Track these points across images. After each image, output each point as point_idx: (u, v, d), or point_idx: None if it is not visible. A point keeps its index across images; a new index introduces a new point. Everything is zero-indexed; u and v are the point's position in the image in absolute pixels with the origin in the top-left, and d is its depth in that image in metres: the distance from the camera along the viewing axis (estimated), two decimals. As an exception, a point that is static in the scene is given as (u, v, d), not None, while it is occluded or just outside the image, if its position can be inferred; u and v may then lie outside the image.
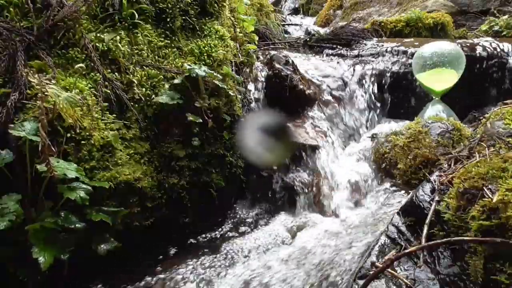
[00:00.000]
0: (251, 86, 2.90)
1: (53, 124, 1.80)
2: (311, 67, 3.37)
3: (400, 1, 5.44)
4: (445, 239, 1.26)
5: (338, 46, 3.73)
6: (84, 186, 1.77)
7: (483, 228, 1.18)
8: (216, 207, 2.43)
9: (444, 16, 4.46)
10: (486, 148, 1.59)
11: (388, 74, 3.29)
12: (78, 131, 1.87)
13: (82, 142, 1.88)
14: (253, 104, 2.85)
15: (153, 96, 2.20)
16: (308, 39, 3.95)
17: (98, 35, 2.14)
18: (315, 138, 2.75)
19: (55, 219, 1.69)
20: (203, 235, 2.32)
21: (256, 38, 3.18)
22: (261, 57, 3.26)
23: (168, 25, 2.42)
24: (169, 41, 2.40)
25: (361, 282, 1.28)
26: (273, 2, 6.18)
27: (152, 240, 2.15)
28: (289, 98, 2.88)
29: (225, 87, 2.36)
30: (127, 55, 2.20)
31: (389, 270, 1.27)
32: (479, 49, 3.28)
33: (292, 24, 5.69)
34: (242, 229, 2.38)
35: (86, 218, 1.77)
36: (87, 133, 1.90)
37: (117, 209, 1.89)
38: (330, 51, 3.72)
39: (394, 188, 2.38)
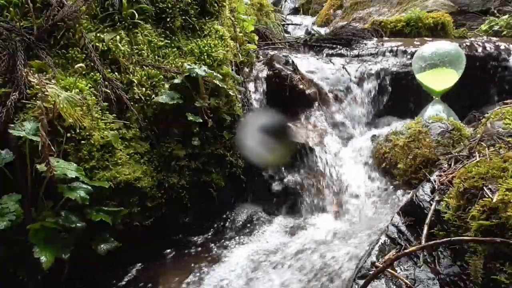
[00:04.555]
0: (251, 86, 2.90)
1: (53, 124, 1.80)
2: (311, 67, 3.37)
3: (400, 0, 5.44)
4: (445, 239, 1.26)
5: (338, 46, 3.73)
6: (84, 185, 1.77)
7: (483, 228, 1.18)
8: (216, 207, 2.43)
9: (444, 16, 4.46)
10: (486, 148, 1.59)
11: (388, 74, 3.28)
12: (78, 131, 1.87)
13: (82, 142, 1.88)
14: (253, 104, 2.85)
15: (153, 96, 2.20)
16: (308, 39, 3.94)
17: (98, 35, 2.14)
18: (315, 137, 2.75)
19: (56, 219, 1.69)
20: (203, 235, 2.32)
21: (256, 38, 3.18)
22: (261, 57, 3.26)
23: (168, 25, 2.42)
24: (169, 41, 2.40)
25: (361, 282, 1.28)
26: (273, 2, 6.18)
27: (152, 239, 2.15)
28: (289, 98, 2.88)
29: (225, 87, 2.36)
30: (127, 55, 2.20)
31: (389, 270, 1.26)
32: (479, 49, 3.28)
33: (292, 24, 5.69)
34: (242, 229, 2.38)
35: (86, 218, 1.77)
36: (87, 133, 1.90)
37: (117, 209, 1.89)
38: (330, 51, 3.71)
39: (394, 188, 2.38)
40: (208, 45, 2.48)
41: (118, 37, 2.19)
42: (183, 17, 2.49)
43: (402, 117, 3.19)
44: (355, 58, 3.51)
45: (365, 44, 3.69)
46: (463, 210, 1.30)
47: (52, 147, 1.71)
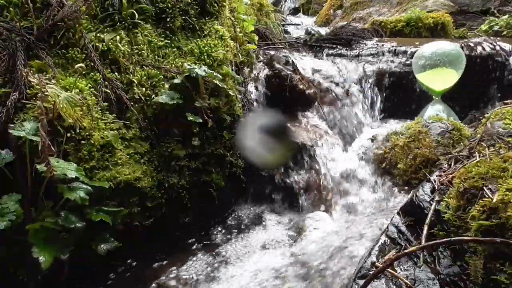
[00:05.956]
0: (251, 86, 2.90)
1: (53, 124, 1.80)
2: (311, 66, 3.37)
3: (400, 0, 5.44)
4: (445, 239, 1.26)
5: (338, 46, 3.73)
6: (84, 186, 1.77)
7: (483, 228, 1.18)
8: (216, 207, 2.43)
9: (444, 16, 4.47)
10: (486, 148, 1.59)
11: (388, 74, 3.29)
12: (78, 131, 1.87)
13: (82, 142, 1.88)
14: (253, 104, 2.85)
15: (153, 96, 2.20)
16: (308, 39, 3.94)
17: (98, 35, 2.14)
18: (315, 138, 2.75)
19: (55, 219, 1.69)
20: (203, 235, 2.32)
21: (256, 38, 3.18)
22: (261, 57, 3.26)
23: (168, 25, 2.42)
24: (169, 41, 2.40)
25: (361, 282, 1.28)
26: (273, 2, 6.18)
27: (152, 240, 2.14)
28: (289, 98, 2.88)
29: (225, 87, 2.36)
30: (127, 55, 2.20)
31: (389, 270, 1.26)
32: (479, 49, 3.28)
33: (292, 24, 5.69)
34: (242, 229, 2.38)
35: (86, 218, 1.77)
36: (87, 133, 1.90)
37: (117, 209, 1.89)
38: (330, 51, 3.71)
39: (394, 188, 2.38)
40: (208, 45, 2.48)
41: (118, 37, 2.19)
42: (183, 17, 2.49)
43: (402, 117, 3.19)
44: (355, 58, 3.51)
45: (365, 44, 3.69)
46: (463, 210, 1.30)
47: (52, 147, 1.71)
